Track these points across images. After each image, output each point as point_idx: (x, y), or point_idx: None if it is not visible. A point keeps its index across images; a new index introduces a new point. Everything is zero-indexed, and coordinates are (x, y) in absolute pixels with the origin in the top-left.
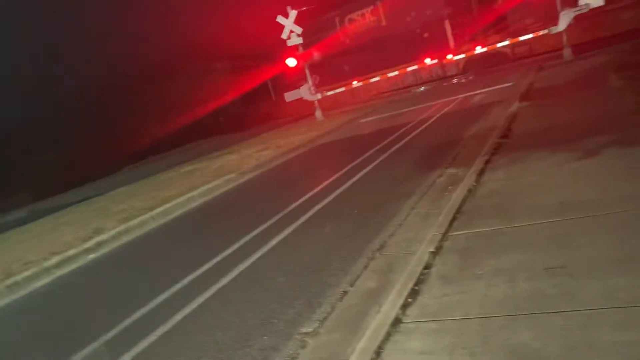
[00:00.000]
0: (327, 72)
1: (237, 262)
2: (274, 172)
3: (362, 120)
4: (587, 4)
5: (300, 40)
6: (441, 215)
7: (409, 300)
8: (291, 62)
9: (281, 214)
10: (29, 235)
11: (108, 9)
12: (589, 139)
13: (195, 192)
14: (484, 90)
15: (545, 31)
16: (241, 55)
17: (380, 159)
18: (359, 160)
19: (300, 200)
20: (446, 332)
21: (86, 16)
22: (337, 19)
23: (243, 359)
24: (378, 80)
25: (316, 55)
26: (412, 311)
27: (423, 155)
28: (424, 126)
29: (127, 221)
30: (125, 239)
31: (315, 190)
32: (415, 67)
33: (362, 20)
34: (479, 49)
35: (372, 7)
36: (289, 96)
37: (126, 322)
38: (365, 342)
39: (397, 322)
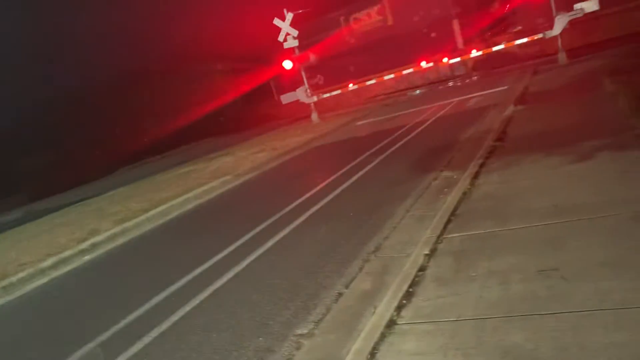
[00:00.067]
0: (332, 72)
1: (233, 263)
2: (270, 174)
3: (359, 123)
4: (581, 9)
5: (296, 43)
6: (436, 217)
7: (404, 302)
8: (287, 64)
9: (276, 216)
10: (25, 236)
11: (107, 9)
12: (583, 142)
13: (191, 194)
14: (479, 93)
15: (541, 35)
16: (241, 56)
17: (376, 161)
18: (354, 162)
19: (295, 203)
20: (440, 334)
21: (85, 16)
22: (342, 18)
23: None
24: (389, 79)
25: (312, 57)
26: (406, 313)
27: (419, 158)
28: (420, 129)
29: (122, 223)
30: (120, 240)
31: (311, 192)
32: (411, 70)
33: (368, 19)
34: (474, 53)
35: (378, 6)
36: (285, 98)
37: (121, 324)
38: (360, 344)
39: (391, 323)
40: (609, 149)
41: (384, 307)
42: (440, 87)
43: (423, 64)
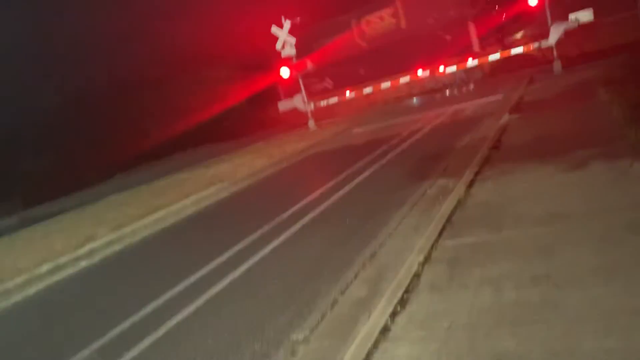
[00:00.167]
0: (342, 75)
1: (229, 270)
2: (267, 181)
3: (355, 130)
4: (576, 19)
5: (293, 52)
6: (431, 225)
7: (398, 308)
8: (285, 72)
9: (272, 223)
10: (20, 243)
11: (110, 12)
12: (577, 151)
13: (187, 201)
14: (476, 101)
15: (537, 44)
16: (241, 63)
17: (372, 169)
18: (350, 170)
19: (291, 210)
20: (433, 340)
21: (87, 20)
22: (353, 21)
23: None
24: (385, 88)
25: (310, 65)
26: (401, 319)
27: (414, 165)
28: (416, 137)
29: (119, 229)
30: (117, 246)
31: (307, 199)
32: (407, 78)
33: (380, 22)
34: (470, 62)
35: (390, 8)
36: (283, 105)
37: (117, 329)
38: (354, 350)
39: (386, 330)
40: (602, 158)
41: (379, 314)
42: (438, 96)
43: (419, 72)
